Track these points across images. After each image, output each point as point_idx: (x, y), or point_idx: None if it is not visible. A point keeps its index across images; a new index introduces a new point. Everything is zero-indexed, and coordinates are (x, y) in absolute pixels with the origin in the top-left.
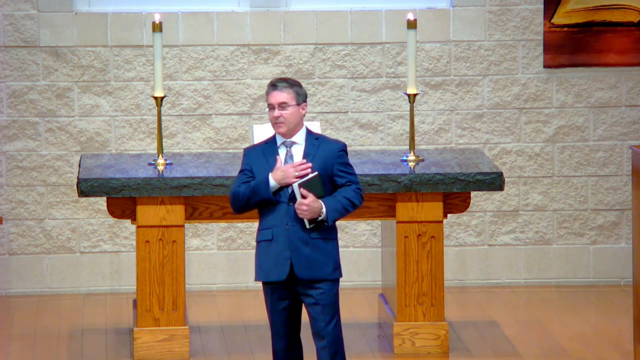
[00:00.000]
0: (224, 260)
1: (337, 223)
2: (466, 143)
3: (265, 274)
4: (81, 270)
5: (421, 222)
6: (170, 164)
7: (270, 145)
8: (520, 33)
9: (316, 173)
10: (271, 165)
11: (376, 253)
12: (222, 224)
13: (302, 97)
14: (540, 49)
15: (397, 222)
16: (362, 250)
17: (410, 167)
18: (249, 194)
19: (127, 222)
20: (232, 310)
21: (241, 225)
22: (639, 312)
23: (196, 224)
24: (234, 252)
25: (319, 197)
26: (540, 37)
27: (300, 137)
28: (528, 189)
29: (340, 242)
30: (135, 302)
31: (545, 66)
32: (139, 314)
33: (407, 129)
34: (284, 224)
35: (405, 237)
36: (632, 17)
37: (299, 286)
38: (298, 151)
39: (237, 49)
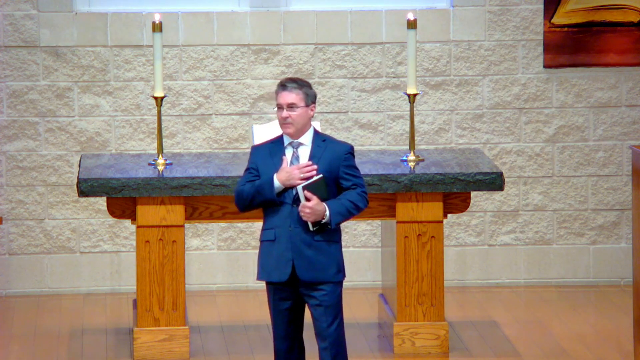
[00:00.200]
0: (224, 260)
1: None
2: (466, 143)
3: (268, 274)
4: (81, 270)
5: (421, 222)
6: (170, 164)
7: (277, 145)
8: (520, 33)
9: (321, 175)
10: (277, 164)
11: (376, 253)
12: (222, 224)
13: (311, 98)
14: (540, 49)
15: (397, 222)
16: (362, 250)
17: (410, 167)
18: (253, 194)
19: (127, 222)
20: (232, 310)
21: (241, 225)
22: (639, 312)
23: (196, 224)
24: (234, 252)
25: (322, 199)
26: (540, 37)
27: (307, 138)
28: (528, 189)
29: None
30: (135, 302)
31: (545, 66)
32: (139, 314)
33: (407, 129)
34: (287, 225)
35: (405, 237)
36: (632, 17)
37: (302, 287)
38: (304, 152)
39: (237, 49)
